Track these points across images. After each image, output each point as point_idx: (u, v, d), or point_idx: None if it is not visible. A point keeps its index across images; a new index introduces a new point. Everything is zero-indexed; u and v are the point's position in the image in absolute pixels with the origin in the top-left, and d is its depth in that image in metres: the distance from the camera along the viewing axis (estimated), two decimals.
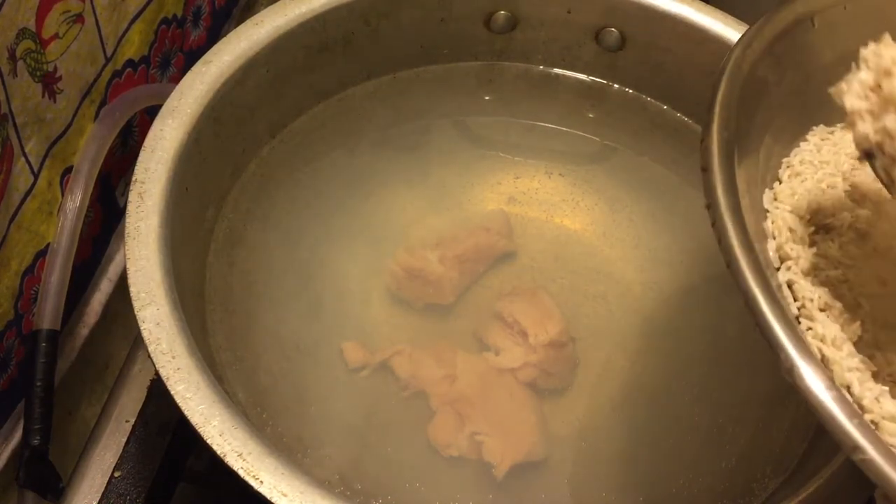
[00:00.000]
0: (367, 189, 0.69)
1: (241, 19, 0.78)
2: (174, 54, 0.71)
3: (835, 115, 0.49)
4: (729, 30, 0.68)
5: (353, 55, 0.70)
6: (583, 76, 0.75)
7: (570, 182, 0.71)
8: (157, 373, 0.49)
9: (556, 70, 0.75)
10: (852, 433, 0.37)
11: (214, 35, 0.78)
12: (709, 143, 0.44)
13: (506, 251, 0.67)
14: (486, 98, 0.76)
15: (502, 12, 0.72)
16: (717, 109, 0.45)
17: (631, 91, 0.75)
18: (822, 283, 0.45)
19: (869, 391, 0.41)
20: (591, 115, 0.75)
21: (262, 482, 0.46)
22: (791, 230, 0.46)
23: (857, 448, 0.36)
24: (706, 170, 0.43)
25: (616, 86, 0.75)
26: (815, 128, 0.53)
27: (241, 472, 0.46)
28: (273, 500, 0.46)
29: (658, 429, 0.61)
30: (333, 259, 0.66)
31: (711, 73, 0.69)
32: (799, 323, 0.44)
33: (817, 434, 0.59)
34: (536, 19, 0.73)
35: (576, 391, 0.62)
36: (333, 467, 0.57)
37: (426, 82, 0.74)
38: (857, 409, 0.39)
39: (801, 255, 0.45)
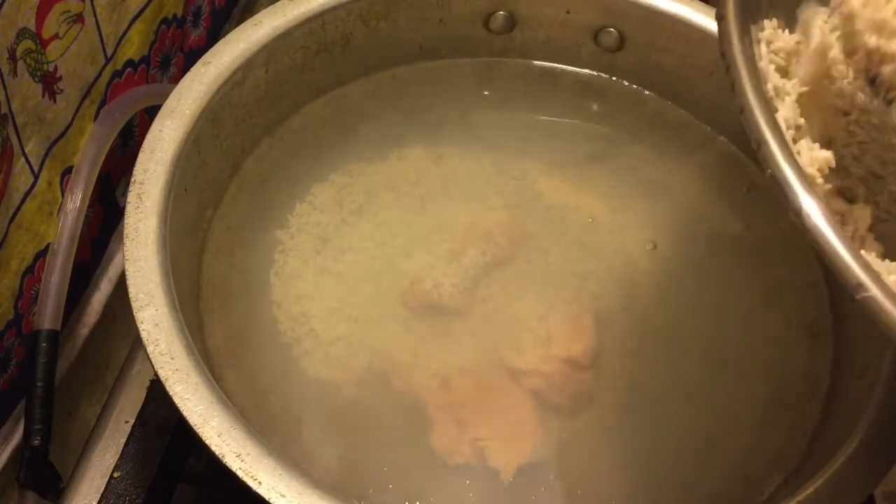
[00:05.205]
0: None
1: (241, 19, 0.78)
2: (174, 54, 0.71)
3: None
4: None
5: (352, 55, 0.70)
6: (582, 74, 0.75)
7: (570, 181, 0.71)
8: (156, 373, 0.49)
9: (556, 66, 0.75)
10: (856, 271, 0.38)
11: (214, 35, 0.78)
12: None
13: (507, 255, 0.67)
14: (486, 93, 0.76)
15: (501, 13, 0.72)
16: None
17: (630, 91, 0.75)
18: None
19: None
20: (591, 114, 0.75)
21: (260, 483, 0.46)
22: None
23: (860, 286, 0.38)
24: (722, 18, 0.43)
25: (615, 86, 0.75)
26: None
27: (240, 473, 0.46)
28: (271, 501, 0.46)
29: (661, 431, 0.61)
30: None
31: (711, 73, 0.70)
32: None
33: (816, 434, 0.60)
34: (535, 20, 0.72)
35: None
36: (332, 468, 0.57)
37: (425, 80, 0.74)
38: (860, 251, 0.40)
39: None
